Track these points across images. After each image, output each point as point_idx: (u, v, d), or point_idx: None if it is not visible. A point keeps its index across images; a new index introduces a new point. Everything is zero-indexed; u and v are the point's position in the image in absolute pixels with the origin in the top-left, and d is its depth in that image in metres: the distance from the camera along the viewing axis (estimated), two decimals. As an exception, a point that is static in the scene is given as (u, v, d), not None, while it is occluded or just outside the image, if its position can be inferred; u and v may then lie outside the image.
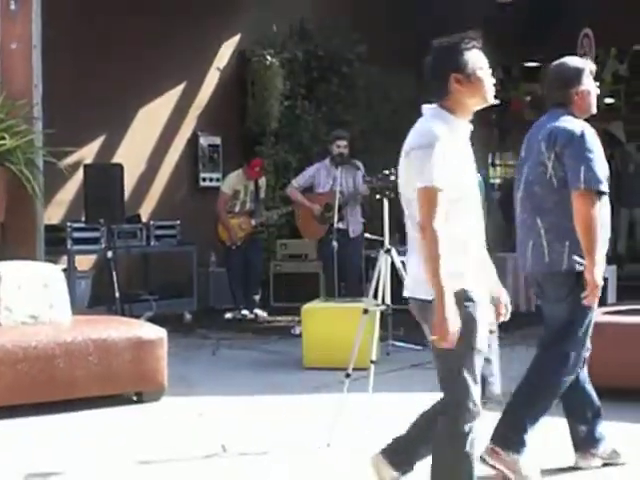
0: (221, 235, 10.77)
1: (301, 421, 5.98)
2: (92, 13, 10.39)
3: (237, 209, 10.77)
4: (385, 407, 6.09)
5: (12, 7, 7.77)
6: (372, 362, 5.95)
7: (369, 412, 5.81)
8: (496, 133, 16.54)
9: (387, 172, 6.05)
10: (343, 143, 9.35)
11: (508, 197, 16.12)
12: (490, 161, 16.10)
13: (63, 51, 9.46)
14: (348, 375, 5.63)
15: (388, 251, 5.82)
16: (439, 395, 3.87)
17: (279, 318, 10.68)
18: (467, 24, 13.38)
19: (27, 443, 5.50)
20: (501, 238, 15.12)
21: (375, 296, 5.79)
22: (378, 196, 6.02)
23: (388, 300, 5.80)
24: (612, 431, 5.02)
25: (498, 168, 16.72)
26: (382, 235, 6.03)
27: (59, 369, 6.18)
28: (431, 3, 12.49)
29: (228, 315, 10.75)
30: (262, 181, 10.96)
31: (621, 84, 14.75)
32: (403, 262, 6.18)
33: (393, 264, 5.81)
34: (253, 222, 10.75)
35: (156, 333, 6.62)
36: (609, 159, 4.93)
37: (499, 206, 15.94)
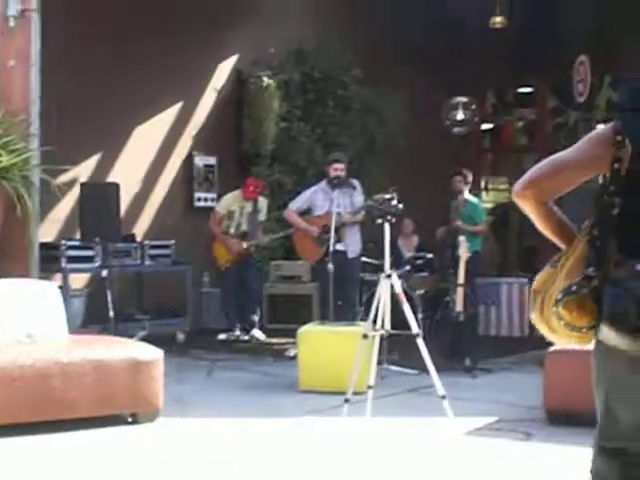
0: (216, 256, 10.75)
1: (295, 444, 5.95)
2: (90, 32, 10.40)
3: (232, 230, 10.76)
4: (381, 432, 6.07)
5: (11, 24, 7.75)
6: (369, 387, 5.94)
7: (365, 436, 5.79)
8: (489, 157, 16.58)
9: (389, 196, 6.05)
10: (340, 166, 9.35)
11: (501, 221, 16.24)
12: (483, 185, 16.13)
13: (61, 69, 9.45)
14: (347, 400, 5.62)
15: (389, 276, 5.81)
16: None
17: (273, 340, 10.65)
18: (461, 49, 13.40)
19: (21, 462, 5.46)
20: (494, 262, 15.18)
21: (375, 321, 5.78)
22: (380, 220, 6.01)
23: (388, 325, 5.78)
24: None
25: (491, 192, 16.75)
26: (381, 259, 6.03)
27: (55, 389, 6.12)
28: (425, 29, 12.55)
29: (222, 336, 10.72)
30: (262, 202, 10.92)
31: (614, 112, 14.80)
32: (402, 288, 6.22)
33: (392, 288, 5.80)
34: (245, 245, 10.73)
35: (152, 354, 6.57)
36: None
37: (492, 230, 15.99)
